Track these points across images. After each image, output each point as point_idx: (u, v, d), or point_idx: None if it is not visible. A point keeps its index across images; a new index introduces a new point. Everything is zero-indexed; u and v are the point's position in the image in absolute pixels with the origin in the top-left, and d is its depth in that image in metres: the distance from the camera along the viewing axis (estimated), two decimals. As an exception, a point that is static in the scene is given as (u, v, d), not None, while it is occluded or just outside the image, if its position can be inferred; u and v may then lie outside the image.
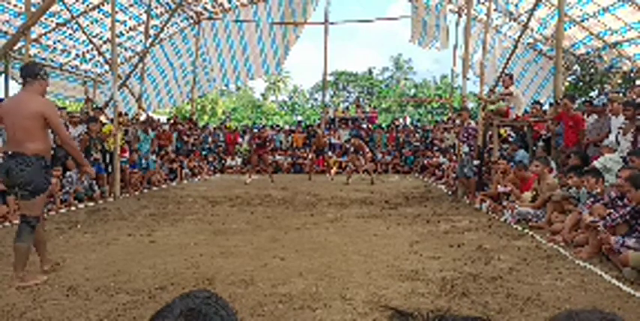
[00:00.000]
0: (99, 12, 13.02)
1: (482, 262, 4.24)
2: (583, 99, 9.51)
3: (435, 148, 15.03)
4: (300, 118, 34.29)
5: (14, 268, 3.64)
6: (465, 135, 8.74)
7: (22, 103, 3.68)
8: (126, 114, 13.42)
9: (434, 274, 3.85)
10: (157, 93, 16.93)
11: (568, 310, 0.86)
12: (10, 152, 3.70)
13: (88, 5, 12.57)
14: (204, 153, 15.67)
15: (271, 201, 8.46)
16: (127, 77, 12.63)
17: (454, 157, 11.07)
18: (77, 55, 14.19)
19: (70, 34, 13.17)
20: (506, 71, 9.36)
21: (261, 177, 13.50)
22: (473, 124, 9.03)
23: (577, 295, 3.32)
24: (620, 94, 7.99)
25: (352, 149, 12.25)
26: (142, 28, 14.20)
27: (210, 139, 16.63)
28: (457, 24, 16.00)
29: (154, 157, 11.25)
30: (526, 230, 5.70)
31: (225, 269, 4.00)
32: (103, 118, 10.39)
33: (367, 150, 12.05)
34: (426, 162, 14.53)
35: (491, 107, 8.94)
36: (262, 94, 42.81)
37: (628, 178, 4.14)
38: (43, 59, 13.20)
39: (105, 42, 13.63)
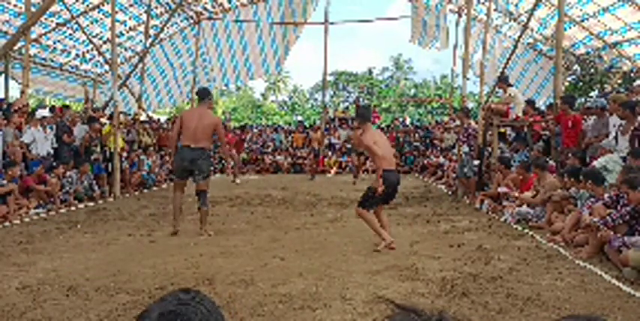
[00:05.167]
0: (99, 12, 13.00)
1: (482, 262, 4.24)
2: (582, 99, 9.46)
3: (436, 148, 15.02)
4: (300, 118, 34.24)
5: (200, 224, 5.52)
6: (465, 135, 8.73)
7: (203, 115, 5.44)
8: (127, 114, 13.41)
9: (434, 274, 3.85)
10: (157, 93, 16.90)
11: (569, 316, 0.85)
12: (192, 145, 5.30)
13: (88, 5, 12.56)
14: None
15: (271, 201, 8.46)
16: (127, 77, 12.62)
17: (454, 157, 11.06)
18: (77, 55, 14.18)
19: (70, 34, 13.15)
20: (505, 72, 9.35)
21: (261, 177, 13.49)
22: (473, 124, 9.02)
23: (577, 295, 3.32)
24: (623, 95, 7.93)
25: (352, 146, 12.20)
26: (142, 28, 14.18)
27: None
28: (457, 24, 15.97)
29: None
30: (526, 230, 5.70)
31: (225, 269, 4.00)
32: (102, 119, 10.40)
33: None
34: (426, 162, 14.52)
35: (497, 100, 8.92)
36: (262, 94, 42.78)
37: (623, 180, 4.14)
38: (43, 59, 13.18)
39: (105, 42, 13.61)
